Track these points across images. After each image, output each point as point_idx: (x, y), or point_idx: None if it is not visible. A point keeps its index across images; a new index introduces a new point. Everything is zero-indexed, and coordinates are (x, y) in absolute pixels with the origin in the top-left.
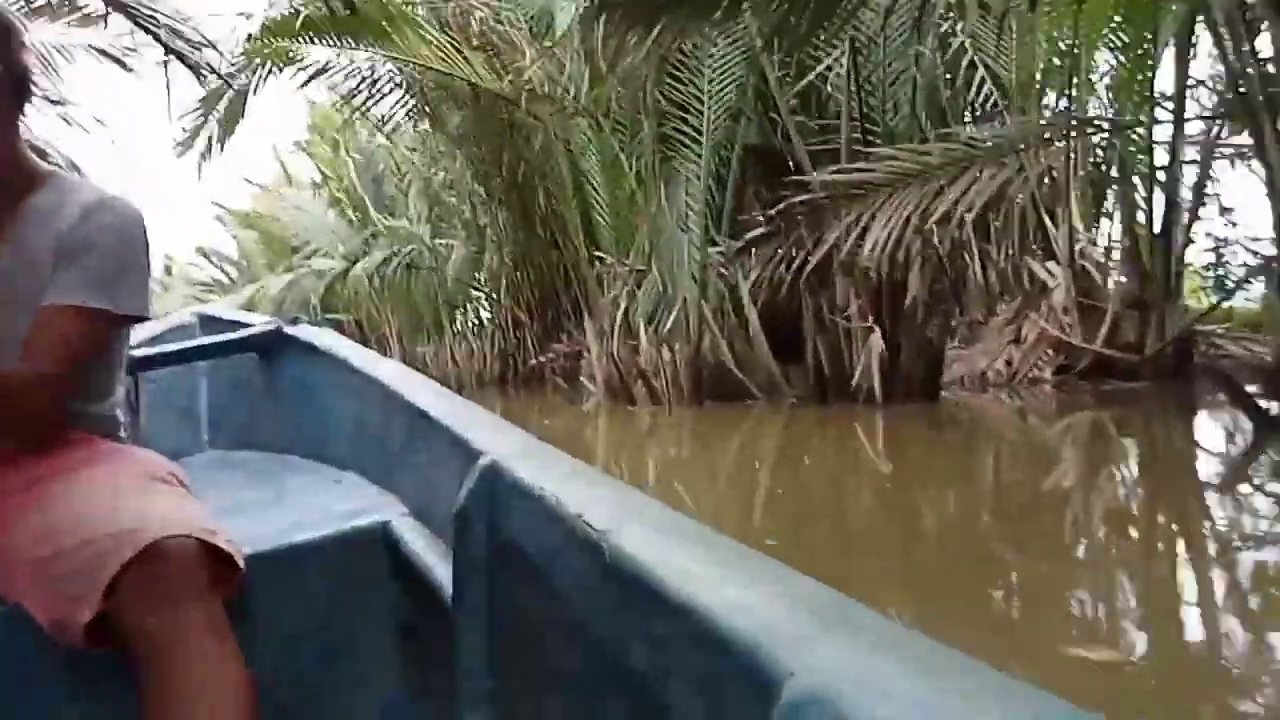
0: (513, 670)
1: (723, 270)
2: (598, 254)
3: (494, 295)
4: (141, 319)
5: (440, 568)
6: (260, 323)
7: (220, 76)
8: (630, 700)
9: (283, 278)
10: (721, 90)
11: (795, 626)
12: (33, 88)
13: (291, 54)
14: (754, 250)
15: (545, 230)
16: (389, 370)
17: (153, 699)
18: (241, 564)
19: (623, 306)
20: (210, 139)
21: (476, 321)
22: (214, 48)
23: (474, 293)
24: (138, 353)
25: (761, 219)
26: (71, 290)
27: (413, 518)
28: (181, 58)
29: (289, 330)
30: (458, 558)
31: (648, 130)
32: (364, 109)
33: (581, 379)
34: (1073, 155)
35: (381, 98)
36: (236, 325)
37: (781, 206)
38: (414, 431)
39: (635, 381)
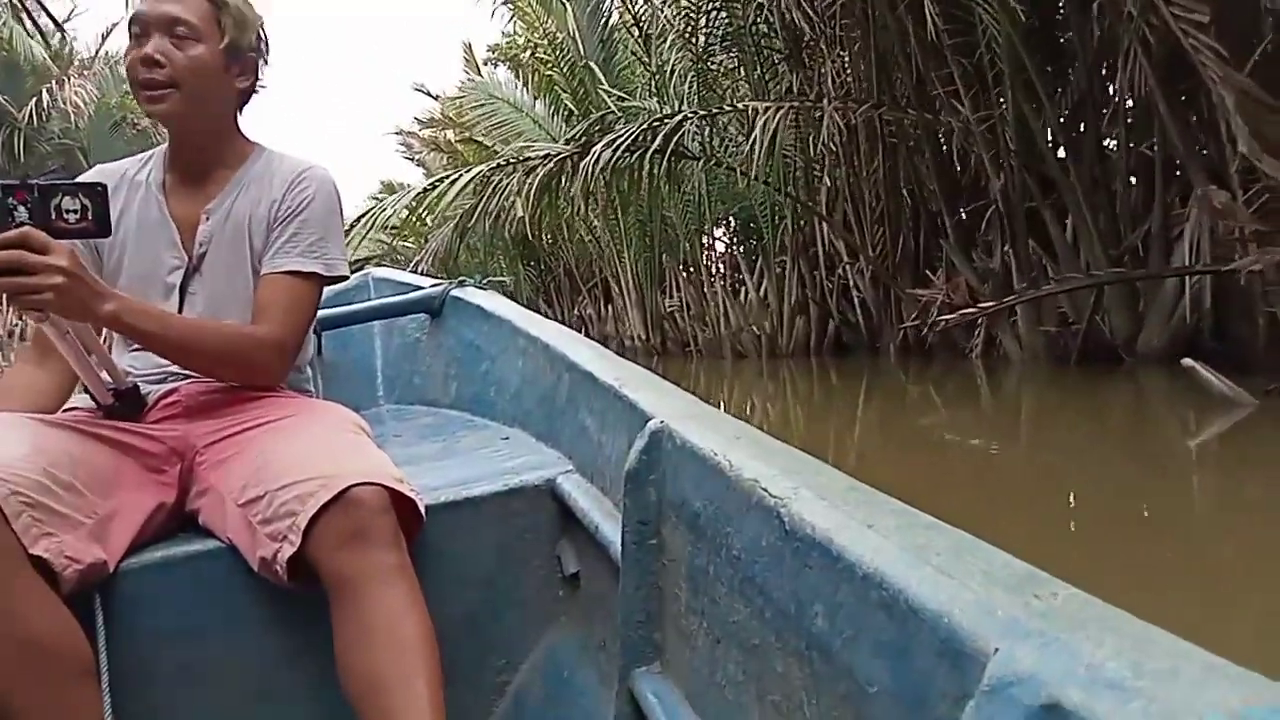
0: (679, 626)
1: None
2: None
3: (808, 202)
4: (344, 279)
5: (606, 524)
6: (429, 284)
7: None
8: (809, 662)
9: (466, 184)
10: None
11: (995, 602)
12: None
13: None
14: None
15: (919, 77)
16: (552, 331)
17: (344, 633)
18: (424, 512)
19: None
20: None
21: (777, 245)
22: None
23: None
24: (320, 313)
25: None
26: (290, 258)
27: (578, 474)
28: None
29: (456, 293)
30: (627, 515)
31: None
32: None
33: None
34: None
35: None
36: (406, 287)
37: None
38: (578, 391)
39: None
